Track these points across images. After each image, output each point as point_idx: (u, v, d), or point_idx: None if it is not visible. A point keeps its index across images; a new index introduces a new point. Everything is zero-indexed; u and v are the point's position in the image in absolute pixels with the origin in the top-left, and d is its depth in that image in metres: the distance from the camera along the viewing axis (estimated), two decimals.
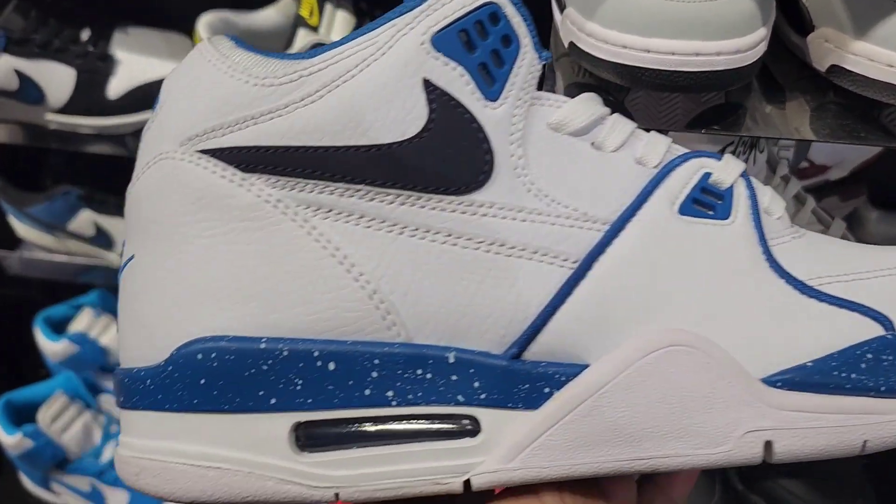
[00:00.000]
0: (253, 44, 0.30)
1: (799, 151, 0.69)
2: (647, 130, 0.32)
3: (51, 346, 0.83)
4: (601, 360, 0.27)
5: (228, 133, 0.28)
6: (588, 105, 0.30)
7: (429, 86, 0.27)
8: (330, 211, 0.27)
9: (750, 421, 0.27)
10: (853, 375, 0.28)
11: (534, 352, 0.28)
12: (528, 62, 0.29)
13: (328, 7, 0.69)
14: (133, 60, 0.66)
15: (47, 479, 0.84)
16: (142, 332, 0.28)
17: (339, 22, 0.70)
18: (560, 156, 0.29)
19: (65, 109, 0.67)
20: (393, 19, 0.28)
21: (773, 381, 0.28)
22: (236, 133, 0.28)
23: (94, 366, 0.86)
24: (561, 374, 0.27)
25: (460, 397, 0.27)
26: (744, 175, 0.31)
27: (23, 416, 0.81)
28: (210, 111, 0.28)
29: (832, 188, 0.77)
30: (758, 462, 0.27)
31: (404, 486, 0.27)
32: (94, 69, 0.66)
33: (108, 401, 0.85)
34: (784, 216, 0.32)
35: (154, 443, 0.27)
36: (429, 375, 0.27)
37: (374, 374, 0.27)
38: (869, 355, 0.28)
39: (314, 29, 0.66)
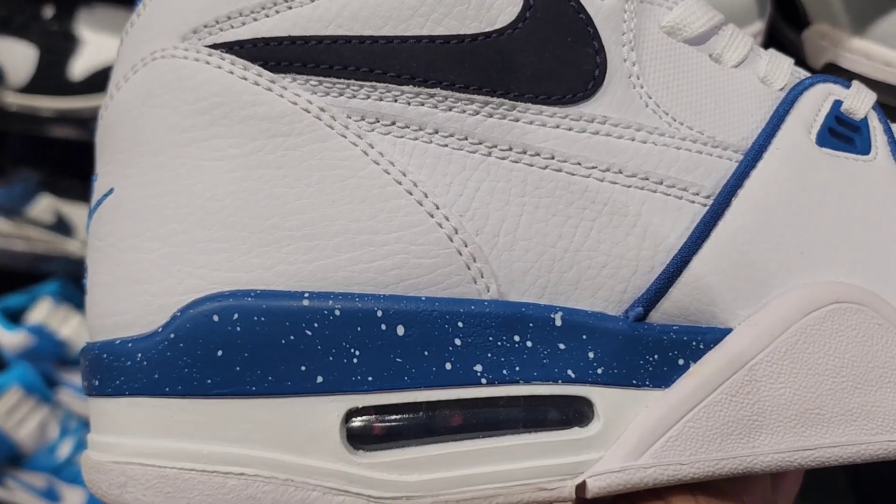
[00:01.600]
0: None
1: None
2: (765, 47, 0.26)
3: (7, 337, 0.78)
4: (750, 322, 0.21)
5: (251, 21, 0.21)
6: (705, 7, 0.24)
7: None
8: (393, 124, 0.20)
9: None
10: None
11: (663, 312, 0.21)
12: None
13: None
14: (98, 40, 0.62)
15: (1, 475, 0.78)
16: (128, 290, 0.20)
17: None
18: (677, 66, 0.23)
19: (25, 89, 0.62)
20: None
21: None
22: (262, 21, 0.20)
23: (52, 358, 0.81)
24: (700, 341, 0.21)
25: (570, 372, 0.20)
26: (875, 107, 0.26)
27: None
28: None
29: None
30: None
31: (499, 495, 0.20)
32: (57, 48, 0.61)
33: (67, 394, 0.79)
34: None
35: (148, 442, 0.19)
36: (529, 344, 0.20)
37: (458, 342, 0.20)
38: None
39: None
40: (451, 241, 0.20)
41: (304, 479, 0.19)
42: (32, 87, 0.61)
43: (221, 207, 0.20)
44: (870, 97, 0.26)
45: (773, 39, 0.42)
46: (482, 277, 0.20)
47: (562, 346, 0.20)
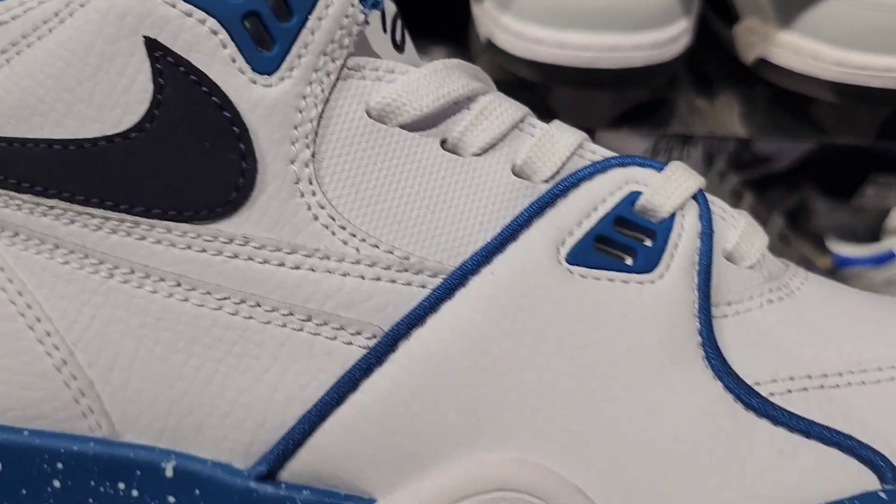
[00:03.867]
0: None
1: (739, 143, 0.67)
2: (550, 121, 0.21)
3: None
4: (393, 500, 0.17)
5: None
6: (440, 77, 0.19)
7: (155, 49, 0.17)
8: (16, 235, 0.18)
9: None
10: None
11: (293, 472, 0.18)
12: (337, 9, 0.18)
13: None
14: None
15: None
16: None
17: None
18: (383, 161, 0.19)
19: None
20: None
21: None
22: None
23: None
24: None
25: None
26: (699, 198, 0.20)
27: None
28: None
29: (776, 179, 0.72)
30: None
31: None
32: None
33: None
34: (761, 262, 0.20)
35: None
36: (135, 493, 0.18)
37: (57, 484, 0.18)
38: None
39: None
40: (60, 372, 0.18)
41: None
42: None
43: None
44: (689, 185, 0.20)
45: (707, 35, 0.41)
46: (92, 414, 0.18)
47: (171, 500, 0.18)
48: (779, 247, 0.55)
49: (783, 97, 0.39)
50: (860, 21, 0.35)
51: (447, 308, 0.18)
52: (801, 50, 0.37)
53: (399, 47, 0.21)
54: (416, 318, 0.18)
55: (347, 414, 0.18)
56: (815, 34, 0.36)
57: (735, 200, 0.57)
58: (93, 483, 0.18)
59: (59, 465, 0.18)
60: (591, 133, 0.47)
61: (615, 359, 0.18)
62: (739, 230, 0.21)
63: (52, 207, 0.18)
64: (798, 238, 0.75)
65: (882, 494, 0.17)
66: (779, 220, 0.58)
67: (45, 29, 0.18)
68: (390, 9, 0.21)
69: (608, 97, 0.41)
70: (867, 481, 0.18)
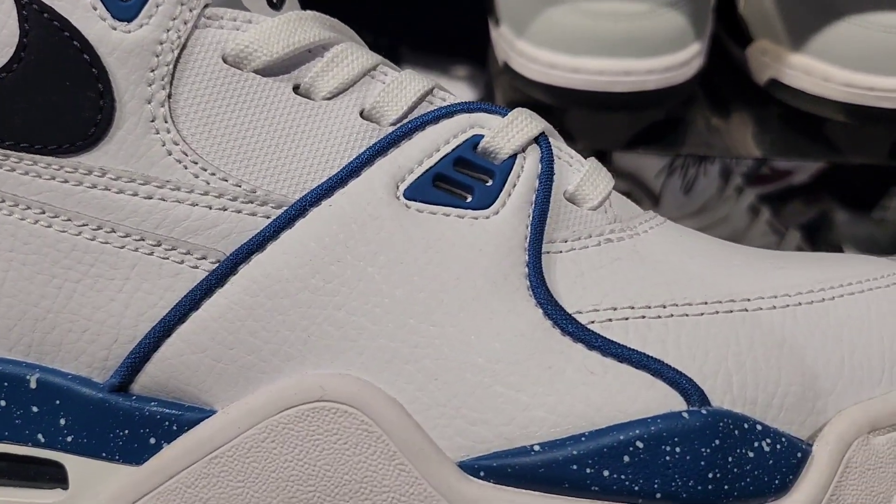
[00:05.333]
0: None
1: (758, 158, 0.66)
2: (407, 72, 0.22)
3: None
4: (228, 409, 0.19)
5: None
6: (293, 26, 0.21)
7: None
8: None
9: None
10: (606, 472, 0.18)
11: (143, 385, 0.20)
12: None
13: None
14: None
15: None
16: None
17: None
18: (235, 103, 0.20)
19: None
20: None
21: (473, 468, 0.18)
22: None
23: None
24: (173, 422, 0.19)
25: (41, 436, 0.20)
26: (541, 141, 0.21)
27: None
28: None
29: (796, 193, 0.71)
30: None
31: None
32: None
33: None
34: (606, 206, 0.22)
35: None
36: (2, 403, 0.20)
37: None
38: (639, 443, 0.18)
39: None
40: None
41: None
42: None
43: None
44: (530, 129, 0.21)
45: (721, 56, 0.43)
46: None
47: (34, 409, 0.20)
48: None
49: (796, 117, 0.40)
50: (870, 44, 0.36)
51: (286, 236, 0.19)
52: (812, 71, 0.37)
53: (275, 5, 0.23)
54: (256, 245, 0.19)
55: (189, 329, 0.19)
56: (825, 56, 0.37)
57: (752, 215, 0.58)
58: None
59: None
60: (607, 154, 0.48)
61: (440, 286, 0.19)
62: (582, 174, 0.22)
63: None
64: (818, 250, 0.75)
65: (685, 415, 0.18)
66: (796, 234, 0.58)
67: None
68: None
69: (623, 118, 0.42)
70: (673, 403, 0.19)
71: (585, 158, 0.23)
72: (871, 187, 0.65)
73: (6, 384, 0.20)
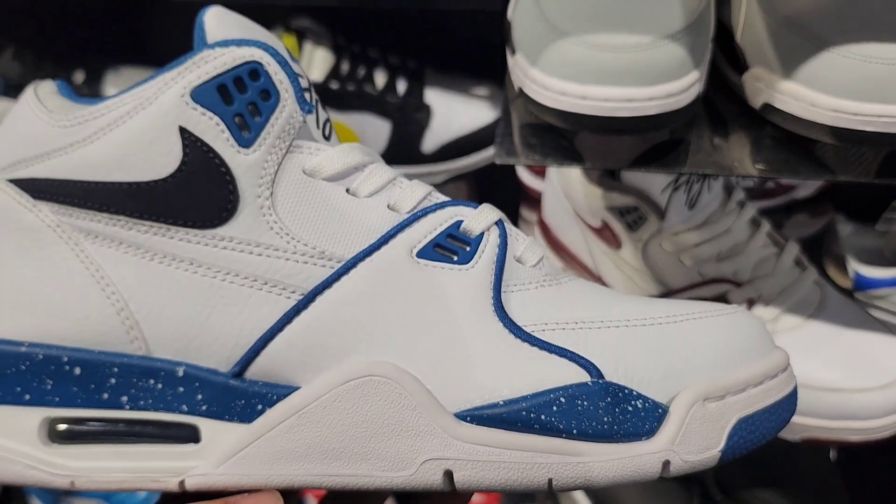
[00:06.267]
0: None
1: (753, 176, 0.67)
2: (410, 179, 0.35)
3: None
4: (309, 385, 0.31)
5: (30, 166, 0.33)
6: (346, 153, 0.33)
7: (185, 133, 0.31)
8: (97, 237, 0.32)
9: (432, 450, 0.30)
10: (543, 416, 0.30)
11: (253, 372, 0.31)
12: (287, 114, 0.32)
13: (307, 45, 0.73)
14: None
15: (58, 502, 0.87)
16: None
17: (319, 60, 0.74)
18: (311, 199, 0.32)
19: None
20: (162, 74, 0.32)
21: (463, 416, 0.30)
22: (35, 166, 0.33)
23: None
24: (274, 394, 0.31)
25: (184, 407, 0.31)
26: (500, 224, 0.34)
27: None
28: (20, 147, 0.33)
29: (801, 206, 0.76)
30: (440, 489, 0.30)
31: (128, 480, 0.31)
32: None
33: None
34: (543, 264, 0.34)
35: None
36: (160, 386, 0.31)
37: (113, 381, 0.31)
38: (562, 399, 0.30)
39: None
40: (119, 315, 0.31)
41: (13, 457, 0.31)
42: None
43: None
44: (492, 217, 0.34)
45: (720, 80, 0.46)
46: (136, 340, 0.31)
47: (181, 389, 0.31)
48: (795, 270, 0.59)
49: (789, 138, 0.42)
50: (853, 72, 0.38)
51: (344, 280, 0.32)
52: (801, 97, 0.39)
53: (327, 138, 0.36)
54: (324, 285, 0.31)
55: (284, 337, 0.31)
56: (813, 83, 0.39)
57: (753, 228, 0.60)
58: (134, 380, 0.31)
59: (115, 370, 0.31)
60: (616, 172, 0.53)
61: (439, 311, 0.32)
62: (524, 245, 0.35)
63: (119, 220, 0.32)
64: (819, 261, 0.75)
65: (589, 383, 0.31)
66: (794, 247, 0.60)
67: (127, 117, 0.32)
68: (322, 116, 0.36)
69: (629, 140, 0.45)
70: (583, 377, 0.31)
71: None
72: (874, 200, 0.69)
73: (163, 374, 0.31)
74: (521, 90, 0.42)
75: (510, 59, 0.44)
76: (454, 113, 0.68)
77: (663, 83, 0.39)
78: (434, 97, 0.69)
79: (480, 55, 0.63)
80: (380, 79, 0.70)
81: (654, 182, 0.55)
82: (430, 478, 0.30)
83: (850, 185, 0.73)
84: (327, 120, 0.36)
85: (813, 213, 0.77)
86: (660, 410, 0.31)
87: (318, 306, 0.31)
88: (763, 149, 0.45)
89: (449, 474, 0.30)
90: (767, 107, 0.42)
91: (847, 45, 0.38)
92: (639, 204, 0.56)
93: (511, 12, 0.44)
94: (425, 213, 0.33)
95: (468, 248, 0.33)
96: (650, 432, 0.31)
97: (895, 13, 0.39)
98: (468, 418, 0.30)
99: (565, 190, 0.62)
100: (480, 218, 0.34)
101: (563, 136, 0.44)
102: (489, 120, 0.68)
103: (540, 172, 0.78)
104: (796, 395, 0.35)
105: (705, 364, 0.32)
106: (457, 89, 0.70)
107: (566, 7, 0.40)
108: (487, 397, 0.30)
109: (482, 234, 0.34)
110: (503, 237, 0.34)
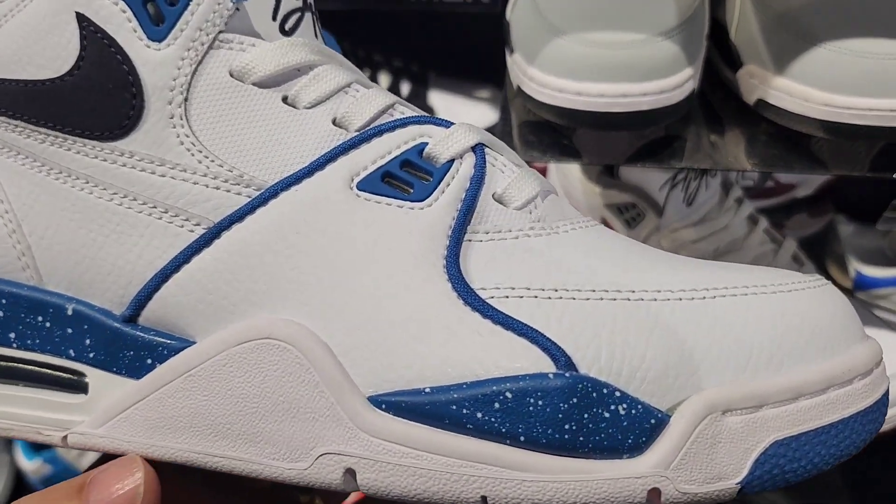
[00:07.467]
0: None
1: (763, 172, 0.72)
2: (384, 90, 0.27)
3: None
4: (204, 341, 0.25)
5: None
6: (285, 49, 0.26)
7: (83, 21, 0.26)
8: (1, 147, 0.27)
9: (333, 442, 0.23)
10: (479, 414, 0.22)
11: (146, 318, 0.26)
12: (209, 0, 0.26)
13: None
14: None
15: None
16: None
17: None
18: (235, 108, 0.26)
19: None
20: None
21: (377, 401, 0.23)
22: None
23: None
24: (165, 348, 0.25)
25: (71, 352, 0.26)
26: (477, 150, 0.26)
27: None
28: None
29: (800, 206, 0.78)
30: (340, 489, 0.23)
31: (13, 429, 0.27)
32: None
33: None
34: (536, 205, 0.26)
35: None
36: (48, 324, 0.26)
37: (0, 314, 0.27)
38: (509, 394, 0.22)
39: None
40: (10, 237, 0.27)
41: None
42: None
43: None
44: (468, 139, 0.26)
45: (714, 79, 0.47)
46: (28, 269, 0.27)
47: (69, 331, 0.26)
48: (793, 266, 0.61)
49: (782, 133, 0.44)
50: (844, 67, 0.39)
51: (261, 211, 0.25)
52: (794, 93, 0.41)
53: (286, 33, 0.29)
54: (237, 217, 0.25)
55: (181, 277, 0.25)
56: (805, 79, 0.40)
57: (751, 224, 0.62)
58: (22, 315, 0.27)
59: (3, 301, 0.27)
60: (614, 168, 0.55)
61: (372, 257, 0.24)
62: (510, 178, 0.26)
63: (17, 126, 0.27)
64: (819, 259, 0.76)
65: (550, 376, 0.23)
66: (792, 243, 0.62)
67: (16, 10, 0.26)
68: (290, 5, 0.28)
69: (625, 135, 0.46)
70: (543, 365, 0.23)
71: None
72: (875, 199, 0.67)
73: (51, 310, 0.26)
74: (519, 88, 0.43)
75: (509, 59, 0.45)
76: (456, 115, 0.69)
77: (657, 79, 0.39)
78: (437, 99, 0.72)
79: (483, 58, 0.64)
80: (384, 81, 0.72)
81: (653, 180, 0.56)
82: (328, 476, 0.23)
83: (851, 184, 0.76)
84: (300, 10, 0.29)
85: (813, 213, 0.78)
86: (653, 420, 0.23)
87: (223, 244, 0.25)
88: (758, 144, 0.46)
89: (351, 474, 0.23)
90: (761, 103, 0.43)
91: (838, 41, 0.39)
92: (637, 201, 0.57)
93: (510, 13, 0.46)
94: (379, 131, 0.26)
95: (429, 180, 0.25)
96: (635, 448, 0.23)
97: (884, 10, 0.40)
98: (383, 405, 0.23)
99: (564, 188, 0.62)
100: (451, 141, 0.26)
101: (561, 134, 0.45)
102: (491, 122, 0.69)
103: (539, 171, 0.74)
104: (882, 410, 0.25)
105: (732, 359, 0.24)
106: (459, 91, 0.73)
107: (563, 6, 0.41)
108: (411, 379, 0.23)
109: (450, 161, 0.26)
110: (480, 167, 0.26)
